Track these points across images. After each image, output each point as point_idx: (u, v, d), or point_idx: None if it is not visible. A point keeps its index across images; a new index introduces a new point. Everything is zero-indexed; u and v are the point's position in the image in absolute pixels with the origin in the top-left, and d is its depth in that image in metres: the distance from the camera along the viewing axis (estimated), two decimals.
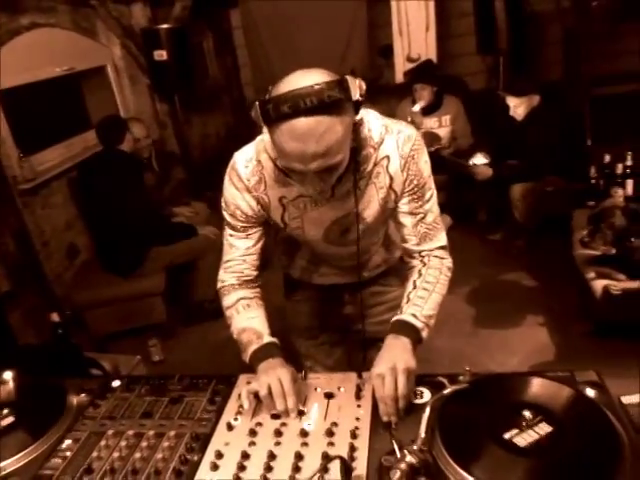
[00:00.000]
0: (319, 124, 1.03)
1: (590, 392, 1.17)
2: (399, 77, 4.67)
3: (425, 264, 1.36)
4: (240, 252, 1.40)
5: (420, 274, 1.35)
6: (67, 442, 1.19)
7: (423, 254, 1.37)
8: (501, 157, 3.63)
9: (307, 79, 1.04)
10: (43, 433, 1.22)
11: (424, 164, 1.31)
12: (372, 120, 1.27)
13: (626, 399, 1.18)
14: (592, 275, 2.57)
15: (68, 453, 1.16)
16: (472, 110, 4.19)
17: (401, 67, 4.65)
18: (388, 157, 1.28)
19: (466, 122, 4.12)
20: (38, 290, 3.10)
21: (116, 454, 1.14)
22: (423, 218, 1.34)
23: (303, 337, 1.77)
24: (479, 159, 3.65)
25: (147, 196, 3.22)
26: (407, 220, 1.35)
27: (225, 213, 1.38)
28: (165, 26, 4.08)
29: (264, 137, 1.27)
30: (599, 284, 2.48)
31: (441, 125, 4.09)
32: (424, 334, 1.28)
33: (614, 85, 4.33)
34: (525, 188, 3.49)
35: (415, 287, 1.33)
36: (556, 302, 3.09)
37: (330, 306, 1.70)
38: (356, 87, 1.06)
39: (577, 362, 1.22)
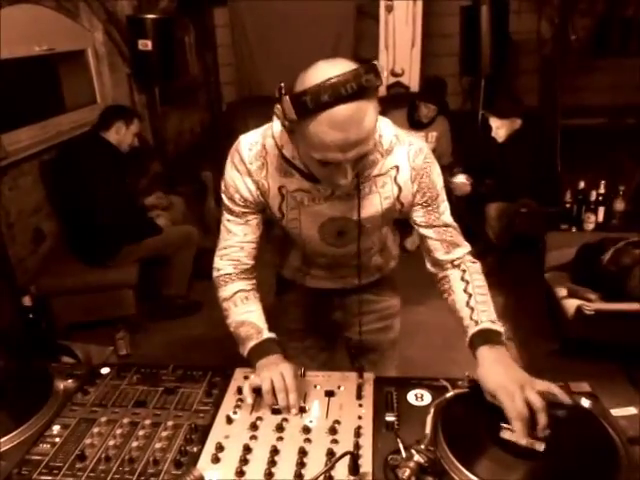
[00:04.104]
0: (359, 110, 1.01)
1: (585, 402, 1.21)
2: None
3: (466, 270, 1.32)
4: (238, 238, 1.36)
5: (467, 281, 1.30)
6: (56, 428, 1.13)
7: (456, 262, 1.34)
8: (479, 175, 3.72)
9: (337, 68, 1.02)
10: (28, 418, 1.16)
11: (437, 177, 1.30)
12: (384, 127, 1.25)
13: (616, 412, 1.22)
14: (564, 294, 2.65)
15: (57, 439, 1.10)
16: (451, 129, 4.27)
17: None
18: (397, 167, 1.26)
19: (449, 141, 4.16)
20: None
21: (111, 442, 1.08)
22: (446, 228, 1.33)
23: (289, 338, 1.72)
24: (460, 178, 3.72)
25: (125, 187, 3.14)
26: (429, 232, 1.33)
27: (224, 196, 1.34)
28: (152, 16, 4.01)
29: (273, 127, 1.25)
30: (571, 303, 2.55)
31: (426, 141, 4.15)
32: (504, 338, 1.26)
33: (584, 117, 4.54)
34: (500, 208, 3.59)
35: (470, 294, 1.28)
36: (524, 319, 3.16)
37: (319, 310, 1.67)
38: (384, 71, 1.06)
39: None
